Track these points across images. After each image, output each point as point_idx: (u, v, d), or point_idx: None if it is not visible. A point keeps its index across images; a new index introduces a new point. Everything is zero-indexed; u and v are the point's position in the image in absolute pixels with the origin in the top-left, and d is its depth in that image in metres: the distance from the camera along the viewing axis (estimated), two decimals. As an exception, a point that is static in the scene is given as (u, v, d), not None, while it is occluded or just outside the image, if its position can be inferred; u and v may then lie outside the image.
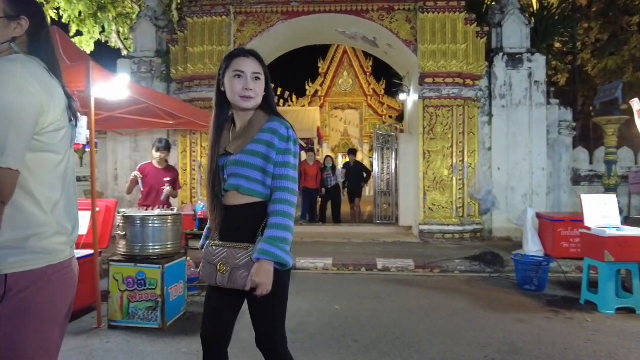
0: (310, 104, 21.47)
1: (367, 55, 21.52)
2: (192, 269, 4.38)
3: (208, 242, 1.75)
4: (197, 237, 4.22)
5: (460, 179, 7.51)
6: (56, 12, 11.16)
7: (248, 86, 1.65)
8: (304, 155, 8.81)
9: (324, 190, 9.10)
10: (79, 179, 8.66)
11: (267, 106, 1.75)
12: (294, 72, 20.63)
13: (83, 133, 3.61)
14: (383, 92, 22.26)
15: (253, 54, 1.72)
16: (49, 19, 1.35)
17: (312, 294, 4.59)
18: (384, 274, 5.54)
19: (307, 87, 22.41)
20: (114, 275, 3.52)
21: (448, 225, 7.41)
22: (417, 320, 3.77)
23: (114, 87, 3.69)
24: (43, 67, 1.23)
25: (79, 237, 4.15)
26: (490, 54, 7.72)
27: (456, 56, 7.34)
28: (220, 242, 1.70)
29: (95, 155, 8.18)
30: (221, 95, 1.73)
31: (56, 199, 1.25)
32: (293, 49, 9.46)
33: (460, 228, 7.42)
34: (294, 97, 21.18)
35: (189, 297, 4.04)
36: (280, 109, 16.11)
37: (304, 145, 10.87)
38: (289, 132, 1.68)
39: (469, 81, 7.48)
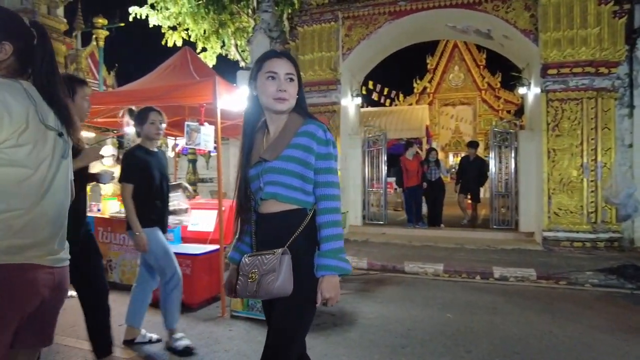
0: (417, 102, 20.95)
1: (480, 47, 20.30)
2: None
3: (244, 255, 1.63)
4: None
5: (592, 181, 6.67)
6: (186, 32, 12.60)
7: (282, 87, 1.58)
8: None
9: (425, 184, 8.40)
10: (205, 181, 9.72)
11: (301, 109, 1.67)
12: (400, 70, 20.37)
13: (210, 140, 4.05)
14: (499, 85, 20.75)
15: (285, 55, 1.67)
16: (50, 43, 1.45)
17: (422, 299, 4.51)
18: (501, 284, 5.19)
19: (414, 85, 21.91)
20: (236, 270, 3.88)
21: (577, 232, 6.64)
22: (539, 336, 3.47)
23: (235, 99, 4.07)
24: (20, 88, 1.32)
25: (207, 233, 4.73)
26: (632, 36, 6.71)
27: (586, 42, 6.54)
28: (256, 252, 1.61)
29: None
30: (254, 99, 1.68)
31: (19, 211, 1.29)
32: (398, 49, 9.36)
33: (592, 236, 6.59)
34: (401, 95, 20.86)
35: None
36: (386, 108, 16.08)
37: (403, 141, 10.45)
38: (326, 135, 1.60)
39: (602, 69, 6.61)
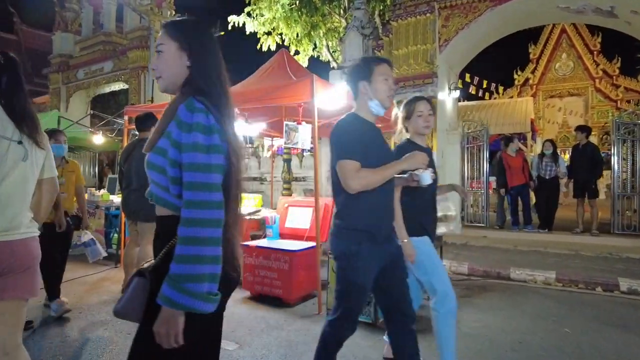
0: (519, 94, 19.34)
1: (593, 30, 18.09)
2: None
3: None
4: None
5: None
6: (280, 36, 13.05)
7: (153, 64, 1.36)
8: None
9: (532, 183, 7.45)
10: (298, 179, 9.96)
11: (189, 86, 1.33)
12: (498, 62, 18.96)
13: (307, 139, 4.08)
14: (618, 72, 18.31)
15: (167, 24, 1.40)
16: (17, 68, 1.87)
17: (533, 310, 4.08)
18: (629, 298, 4.51)
19: (514, 77, 20.26)
20: (332, 267, 3.85)
21: None
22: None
23: (333, 97, 4.05)
24: None
25: (303, 230, 4.79)
26: None
27: None
28: None
29: (313, 159, 9.29)
30: None
31: None
32: (498, 38, 8.65)
33: None
34: (500, 88, 19.41)
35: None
36: (485, 102, 15.03)
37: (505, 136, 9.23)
38: (193, 117, 1.23)
39: None
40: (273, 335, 3.44)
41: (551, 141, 7.81)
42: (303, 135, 4.01)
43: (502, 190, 7.70)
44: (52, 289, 3.84)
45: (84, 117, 9.82)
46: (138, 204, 4.15)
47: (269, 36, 12.89)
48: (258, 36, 12.87)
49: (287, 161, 8.27)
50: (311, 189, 8.64)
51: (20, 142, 1.74)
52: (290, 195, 7.69)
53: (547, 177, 7.49)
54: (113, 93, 14.23)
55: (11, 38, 20.66)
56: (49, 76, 15.48)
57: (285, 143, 4.14)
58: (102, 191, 6.69)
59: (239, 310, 4.02)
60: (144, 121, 4.41)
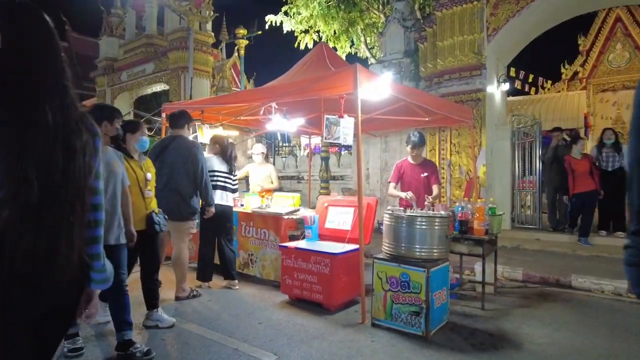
0: (567, 88, 18.14)
1: (652, 18, 16.65)
2: (452, 275, 4.04)
3: None
4: (456, 240, 3.88)
5: None
6: (317, 34, 12.80)
7: None
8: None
9: (602, 193, 6.44)
10: (336, 178, 9.65)
11: None
12: (544, 55, 17.88)
13: (349, 134, 3.75)
14: (679, 63, 16.79)
15: None
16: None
17: (606, 326, 3.57)
18: None
19: (562, 71, 19.04)
20: (377, 273, 3.51)
21: None
22: None
23: (377, 87, 3.70)
24: None
25: (344, 232, 4.47)
26: None
27: None
28: None
29: (352, 157, 8.94)
30: None
31: None
32: (551, 26, 7.95)
33: None
34: (547, 82, 18.29)
35: (450, 305, 3.71)
36: (534, 96, 14.13)
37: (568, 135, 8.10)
38: None
39: None
40: (314, 346, 3.13)
41: (612, 130, 6.98)
42: (345, 130, 3.69)
43: (565, 197, 6.90)
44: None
45: (124, 115, 9.89)
46: (170, 203, 4.00)
47: (307, 34, 12.67)
48: (295, 34, 12.70)
49: (325, 159, 7.98)
50: (350, 187, 8.31)
51: None
52: (329, 194, 7.38)
53: (609, 169, 6.65)
54: (155, 94, 14.47)
55: (62, 45, 21.54)
56: (95, 79, 15.97)
57: (325, 138, 3.83)
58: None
59: (277, 317, 3.75)
60: (178, 119, 4.27)
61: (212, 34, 13.06)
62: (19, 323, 1.13)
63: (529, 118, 7.86)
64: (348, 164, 9.25)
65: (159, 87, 13.75)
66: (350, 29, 12.87)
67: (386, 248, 3.49)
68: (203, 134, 5.19)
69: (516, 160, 7.52)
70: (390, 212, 3.45)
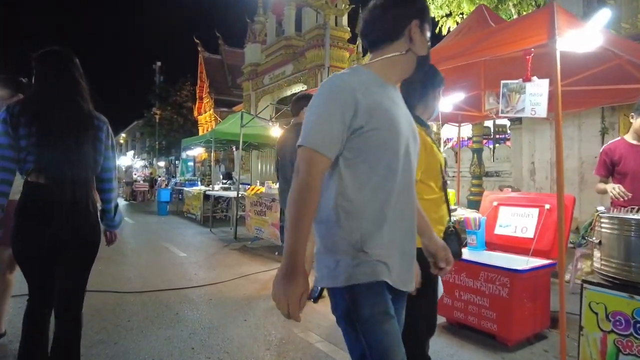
0: None
1: None
2: None
3: None
4: None
5: None
6: (460, 16, 11.38)
7: None
8: None
9: None
10: (490, 174, 8.22)
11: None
12: None
13: (542, 102, 2.63)
14: None
15: None
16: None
17: None
18: None
19: None
20: (590, 304, 2.33)
21: None
22: None
23: (586, 35, 2.51)
24: None
25: (525, 241, 3.32)
26: None
27: None
28: None
29: (511, 149, 7.41)
30: None
31: None
32: None
33: None
34: None
35: None
36: None
37: None
38: None
39: None
40: (497, 404, 2.15)
41: None
42: (534, 97, 2.60)
43: None
44: None
45: (263, 110, 10.01)
46: None
47: (449, 18, 11.39)
48: (436, 19, 11.51)
49: (478, 151, 6.71)
50: (509, 185, 6.85)
51: None
52: (482, 192, 6.12)
53: None
54: (294, 95, 14.75)
55: (216, 58, 23.84)
56: (242, 85, 17.03)
57: (502, 111, 2.78)
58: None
59: (434, 346, 2.84)
60: (295, 103, 3.79)
61: (348, 28, 12.66)
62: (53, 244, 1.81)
63: None
64: (505, 157, 7.74)
65: (297, 88, 13.91)
66: (500, 6, 11.13)
67: (607, 269, 2.29)
68: None
69: None
70: (614, 215, 2.25)
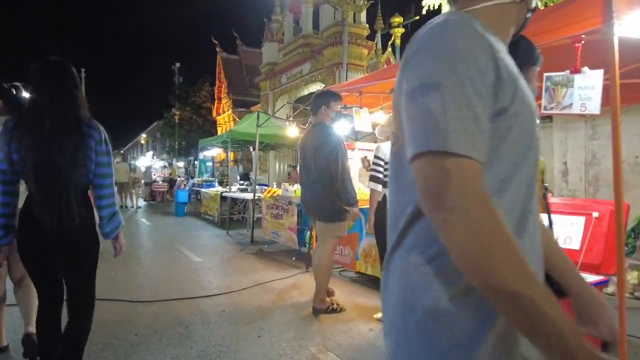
0: None
1: None
2: None
3: None
4: None
5: None
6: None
7: None
8: None
9: None
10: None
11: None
12: None
13: (595, 96, 2.27)
14: None
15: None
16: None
17: None
18: None
19: None
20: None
21: None
22: None
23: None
24: None
25: (572, 253, 2.94)
26: None
27: None
28: None
29: (544, 146, 6.94)
30: None
31: None
32: None
33: None
34: None
35: None
36: None
37: None
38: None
39: None
40: None
41: None
42: (584, 91, 2.25)
43: None
44: None
45: (279, 109, 9.79)
46: (314, 200, 3.44)
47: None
48: (458, 14, 11.09)
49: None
50: (544, 186, 6.40)
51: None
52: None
53: None
54: (312, 95, 14.49)
55: (234, 58, 23.78)
56: (259, 84, 16.88)
57: (545, 108, 2.45)
58: (296, 186, 6.13)
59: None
60: (315, 101, 3.56)
61: (367, 25, 12.33)
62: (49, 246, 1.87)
63: None
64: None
65: (315, 87, 13.65)
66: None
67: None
68: (361, 118, 4.27)
69: None
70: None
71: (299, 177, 3.80)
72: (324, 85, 12.60)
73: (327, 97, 3.52)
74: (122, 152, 40.82)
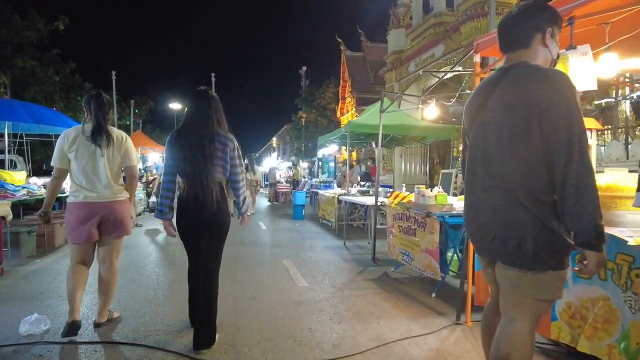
0: None
1: None
2: None
3: None
4: None
5: None
6: None
7: None
8: None
9: None
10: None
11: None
12: None
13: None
14: None
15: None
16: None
17: None
18: None
19: None
20: None
21: None
22: None
23: None
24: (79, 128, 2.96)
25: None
26: None
27: None
28: None
29: None
30: None
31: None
32: None
33: None
34: None
35: None
36: None
37: None
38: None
39: None
40: None
41: None
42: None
43: None
44: None
45: (406, 90, 7.94)
46: (503, 222, 1.61)
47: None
48: None
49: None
50: None
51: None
52: None
53: None
54: (443, 84, 12.18)
55: (359, 55, 22.46)
56: (384, 77, 15.14)
57: None
58: (436, 190, 4.21)
59: None
60: (517, 25, 1.63)
61: None
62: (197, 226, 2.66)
63: None
64: None
65: (448, 74, 11.38)
66: None
67: None
68: (574, 68, 2.17)
69: None
70: None
71: (464, 175, 1.87)
72: (460, 67, 10.29)
73: (548, 16, 1.61)
74: (257, 155, 43.11)
